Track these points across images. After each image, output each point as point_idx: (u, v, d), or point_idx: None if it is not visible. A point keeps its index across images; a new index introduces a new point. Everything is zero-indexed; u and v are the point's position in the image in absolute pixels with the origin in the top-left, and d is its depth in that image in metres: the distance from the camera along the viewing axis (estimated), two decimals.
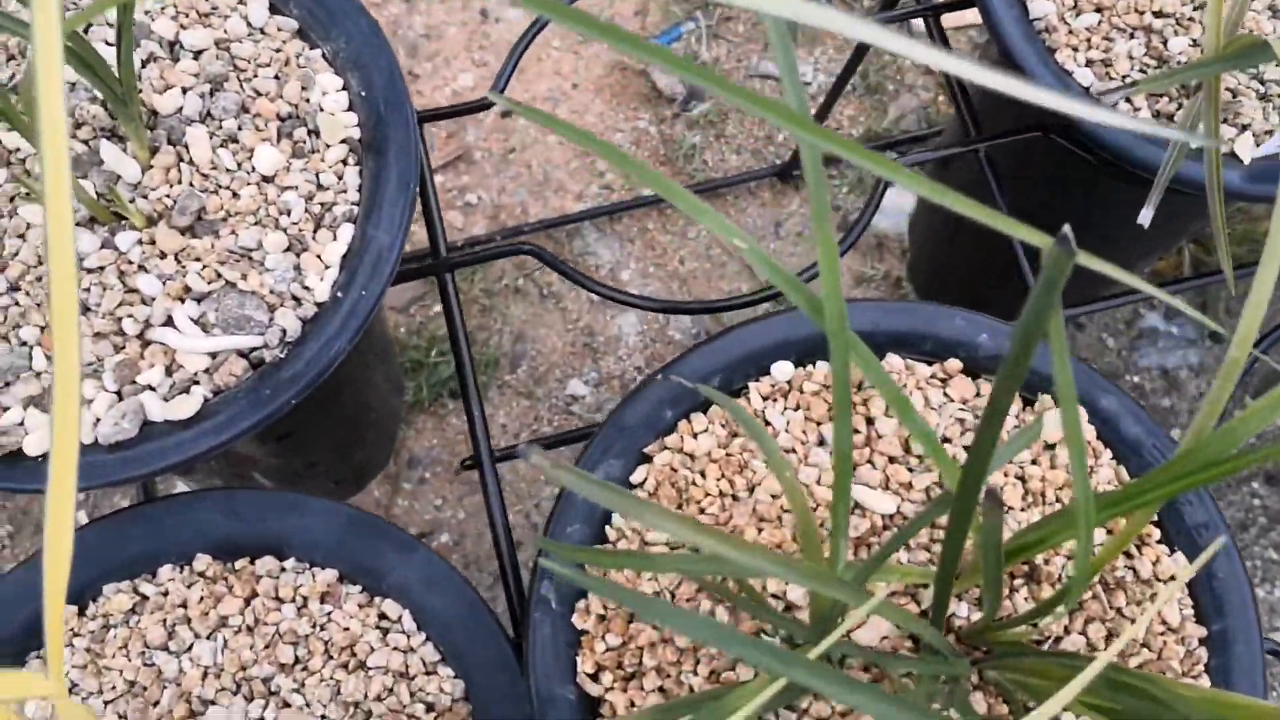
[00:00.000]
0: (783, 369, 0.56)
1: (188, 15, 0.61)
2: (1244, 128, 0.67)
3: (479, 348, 1.09)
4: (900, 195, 1.14)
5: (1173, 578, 0.51)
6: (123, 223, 0.56)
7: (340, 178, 0.59)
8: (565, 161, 1.16)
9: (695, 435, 0.55)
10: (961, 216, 0.25)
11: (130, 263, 0.56)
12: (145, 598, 0.55)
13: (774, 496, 0.52)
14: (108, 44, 0.59)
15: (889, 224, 1.15)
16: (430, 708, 0.53)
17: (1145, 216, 0.62)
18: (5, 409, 0.53)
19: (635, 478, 0.54)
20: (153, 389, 0.54)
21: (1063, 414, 0.31)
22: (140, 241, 0.56)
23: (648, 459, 0.55)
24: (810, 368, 0.56)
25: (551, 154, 1.15)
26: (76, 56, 0.51)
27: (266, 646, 0.54)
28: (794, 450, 0.53)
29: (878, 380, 0.42)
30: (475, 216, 1.14)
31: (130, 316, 0.55)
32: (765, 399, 0.55)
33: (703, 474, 0.53)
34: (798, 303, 0.38)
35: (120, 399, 0.54)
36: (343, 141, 0.59)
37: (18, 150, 0.57)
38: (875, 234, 1.15)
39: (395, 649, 0.54)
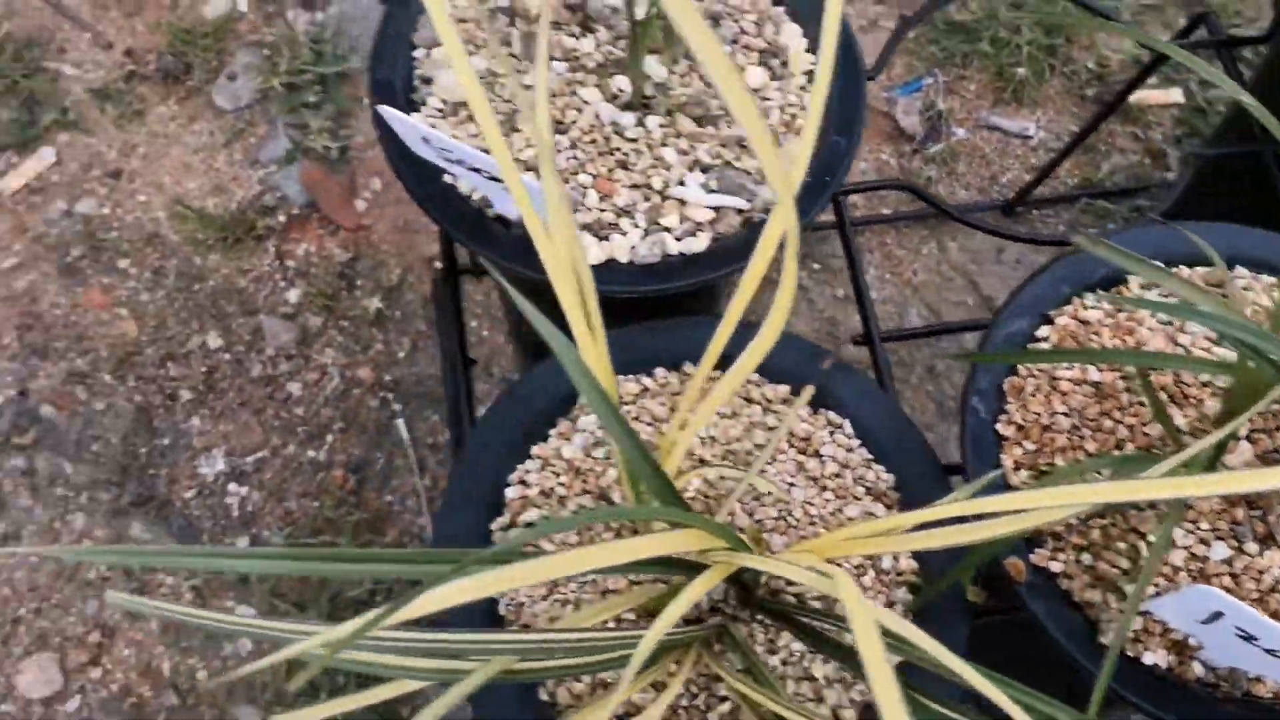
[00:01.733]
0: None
1: None
2: None
3: None
4: None
5: None
6: (649, 110, 0.74)
7: (800, 98, 0.77)
8: None
9: (1086, 308, 0.71)
10: None
11: (656, 140, 0.73)
12: (646, 389, 0.71)
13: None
14: None
15: None
16: (869, 490, 0.68)
17: None
18: None
19: (1040, 332, 0.70)
20: (669, 230, 0.71)
21: None
22: (662, 125, 0.73)
23: (1049, 320, 0.71)
24: (1178, 268, 0.72)
25: None
26: None
27: (745, 430, 0.69)
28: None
29: None
30: None
31: (657, 176, 0.72)
32: (1142, 288, 0.71)
33: (1096, 334, 0.69)
34: None
35: (646, 235, 0.71)
36: (805, 72, 0.77)
37: (574, 50, 0.75)
38: None
39: (838, 445, 0.69)
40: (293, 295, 1.21)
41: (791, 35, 0.78)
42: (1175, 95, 1.40)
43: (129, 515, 1.10)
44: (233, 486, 1.12)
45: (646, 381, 0.70)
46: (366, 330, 1.21)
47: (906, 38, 1.41)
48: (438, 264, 1.24)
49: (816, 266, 1.30)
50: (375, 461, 1.16)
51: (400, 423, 1.17)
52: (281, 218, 1.25)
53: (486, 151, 0.66)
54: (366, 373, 1.19)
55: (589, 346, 0.54)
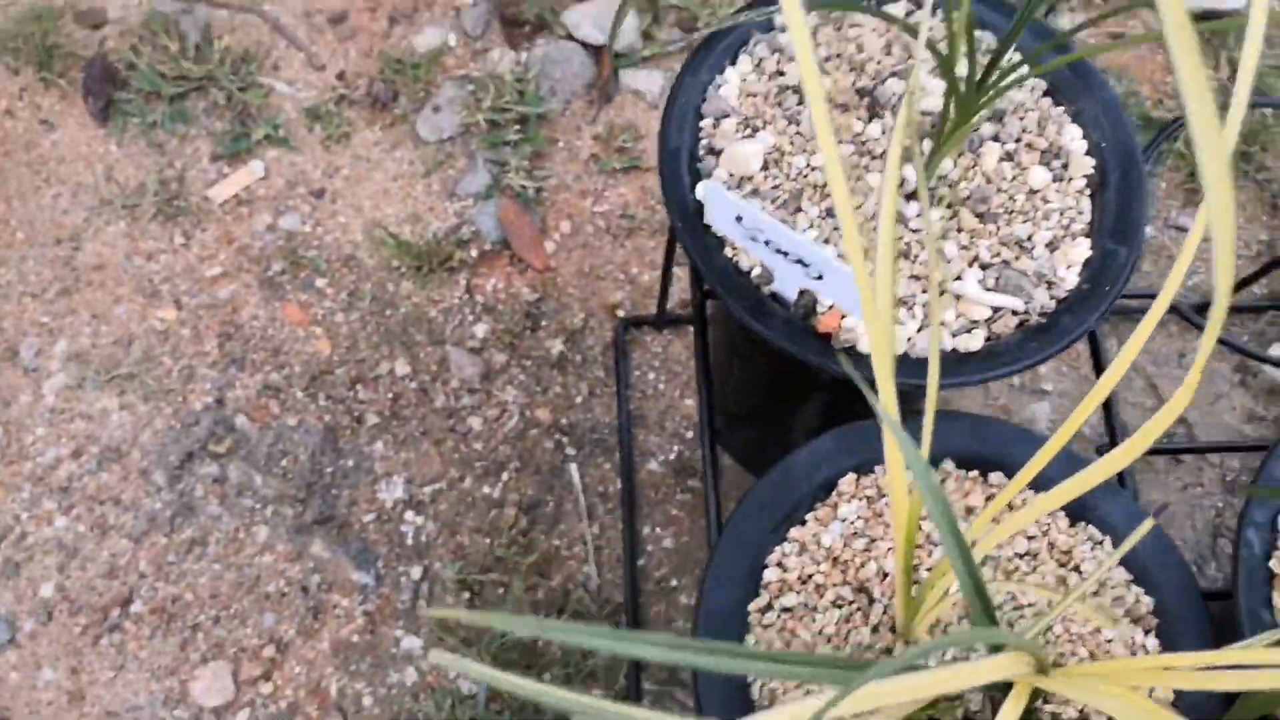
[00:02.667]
0: None
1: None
2: None
3: None
4: None
5: None
6: (933, 201, 0.74)
7: (1079, 202, 0.76)
8: None
9: None
10: None
11: (935, 231, 0.73)
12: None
13: None
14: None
15: None
16: (1127, 611, 0.67)
17: None
18: (844, 316, 0.71)
19: None
20: (946, 325, 0.71)
21: None
22: (944, 217, 0.74)
23: None
24: None
25: None
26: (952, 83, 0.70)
27: (1008, 537, 0.68)
28: None
29: None
30: None
31: (937, 269, 0.72)
32: None
33: None
34: None
35: (923, 328, 0.71)
36: (1084, 175, 0.77)
37: (861, 134, 0.76)
38: (1269, 380, 1.29)
39: (1098, 560, 0.68)
40: (480, 330, 1.23)
41: (1072, 137, 0.78)
42: None
43: (311, 533, 1.11)
44: (409, 515, 1.14)
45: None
46: (547, 371, 1.22)
47: None
48: (620, 312, 1.26)
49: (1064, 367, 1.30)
50: (546, 503, 1.16)
51: (573, 468, 1.18)
52: (474, 252, 1.27)
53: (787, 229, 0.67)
54: (544, 414, 1.20)
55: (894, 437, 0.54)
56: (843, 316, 0.71)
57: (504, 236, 1.28)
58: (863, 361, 0.70)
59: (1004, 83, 0.70)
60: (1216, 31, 1.45)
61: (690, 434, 1.23)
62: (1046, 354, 0.70)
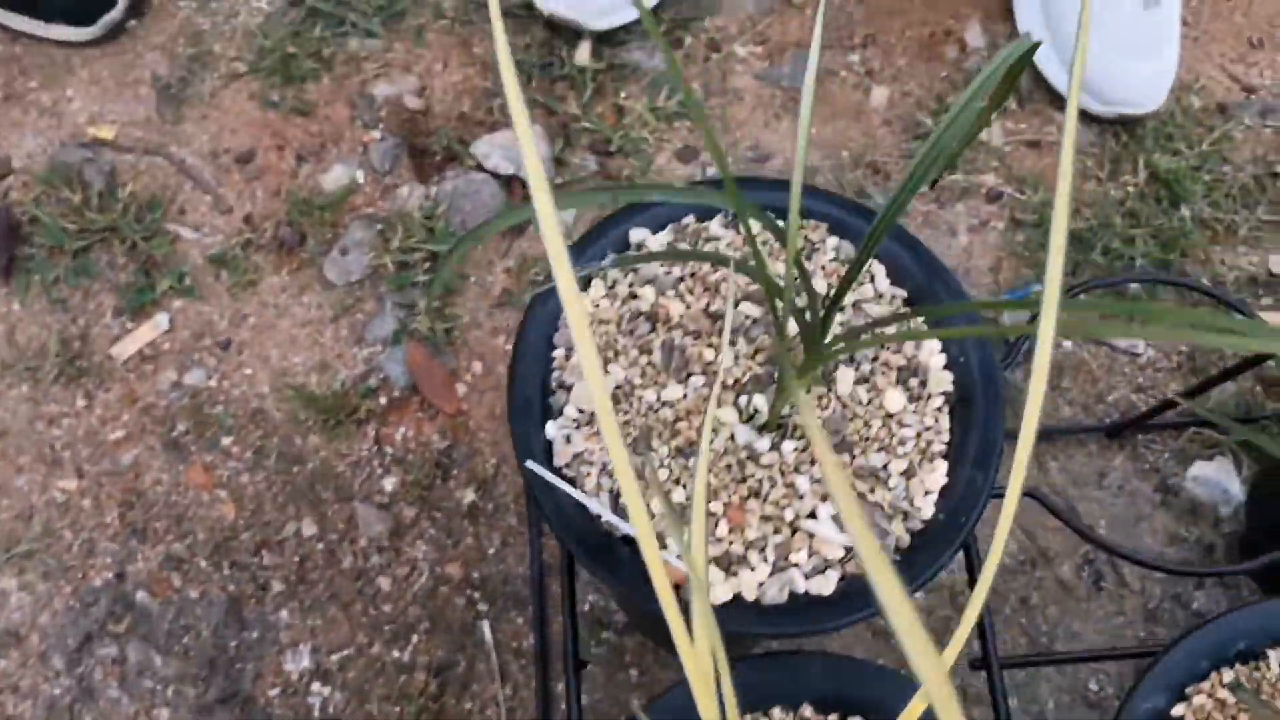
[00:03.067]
0: None
1: (834, 278, 0.79)
2: None
3: None
4: (1219, 472, 1.28)
5: None
6: (784, 432, 0.73)
7: (938, 421, 0.75)
8: None
9: (1223, 685, 0.68)
10: None
11: (789, 465, 0.72)
12: None
13: None
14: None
15: (1204, 492, 1.28)
16: None
17: None
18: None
19: (1175, 711, 0.68)
20: (799, 567, 0.70)
21: None
22: (797, 450, 0.72)
23: (1186, 698, 0.68)
24: None
25: None
26: (773, 303, 0.69)
27: None
28: None
29: None
30: None
31: (790, 507, 0.71)
32: None
33: (1234, 718, 0.67)
34: None
35: (774, 572, 0.70)
36: (942, 393, 0.76)
37: (712, 364, 0.75)
38: (1191, 499, 1.28)
39: None
40: (389, 483, 1.22)
41: (931, 351, 0.77)
42: None
43: (213, 713, 1.10)
44: (316, 685, 1.12)
45: None
46: (458, 523, 1.21)
47: (1016, 243, 1.40)
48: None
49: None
50: (457, 665, 1.15)
51: (485, 625, 1.16)
52: (383, 400, 1.25)
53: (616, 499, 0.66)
54: (455, 569, 1.19)
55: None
56: None
57: (413, 382, 1.27)
58: (718, 610, 0.68)
59: (843, 347, 0.69)
60: (1134, 137, 1.44)
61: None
62: None
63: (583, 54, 1.45)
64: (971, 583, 0.81)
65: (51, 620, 1.12)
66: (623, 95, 1.44)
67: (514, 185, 1.38)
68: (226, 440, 1.22)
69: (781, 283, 0.66)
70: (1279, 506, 1.18)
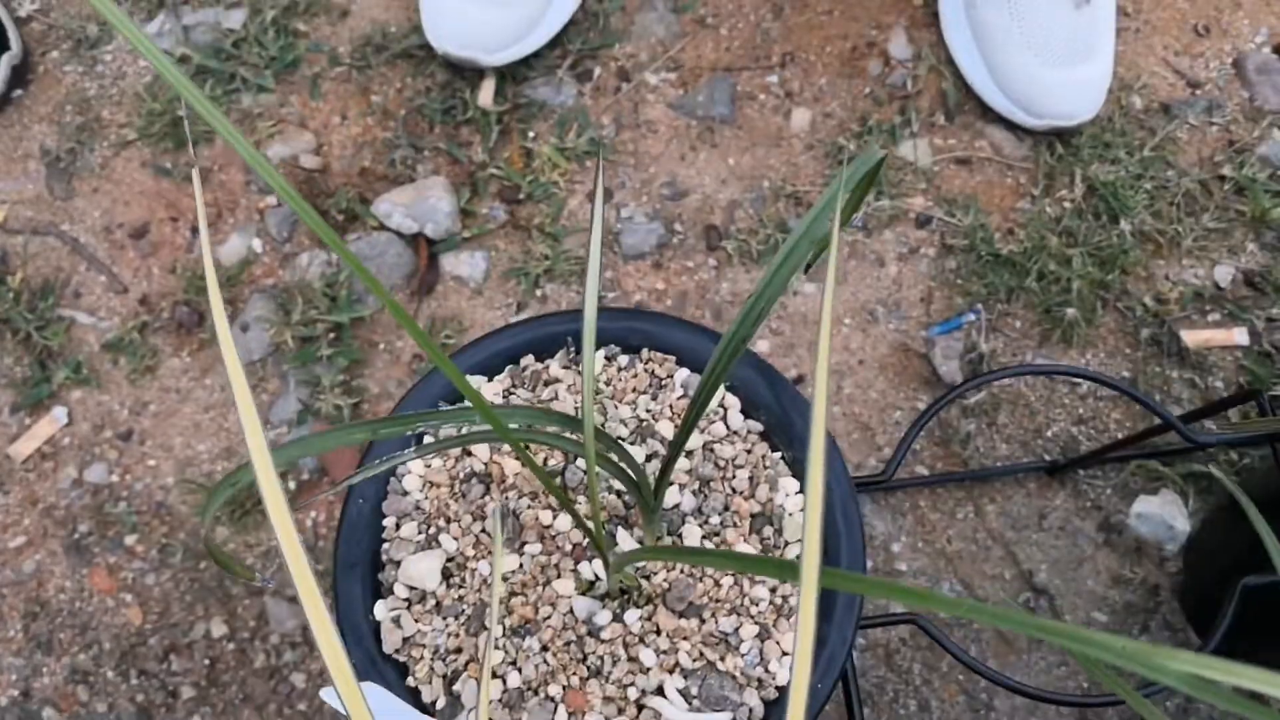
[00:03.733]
0: None
1: (681, 417, 0.74)
2: None
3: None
4: (1164, 507, 1.23)
5: None
6: (628, 600, 0.69)
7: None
8: (846, 433, 1.28)
9: None
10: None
11: (634, 636, 0.68)
12: None
13: None
14: (624, 440, 0.73)
15: (1148, 530, 1.23)
16: None
17: None
18: None
19: None
20: None
21: None
22: (642, 619, 0.68)
23: None
24: None
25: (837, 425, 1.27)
26: (610, 461, 0.64)
27: None
28: None
29: None
30: None
31: (634, 684, 0.67)
32: None
33: None
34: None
35: None
36: (799, 540, 0.71)
37: (550, 527, 0.70)
38: (1135, 537, 1.23)
39: None
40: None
41: (788, 491, 0.72)
42: (1239, 336, 1.31)
43: None
44: None
45: None
46: None
47: (948, 271, 1.34)
48: None
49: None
50: None
51: None
52: (291, 485, 1.22)
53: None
54: None
55: None
56: None
57: (321, 464, 1.23)
58: None
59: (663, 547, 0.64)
60: (1069, 148, 1.37)
61: None
62: None
63: (485, 95, 1.39)
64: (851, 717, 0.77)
65: None
66: (530, 136, 1.38)
67: (420, 244, 1.33)
68: (130, 539, 1.19)
69: (582, 462, 0.61)
70: (1222, 554, 1.13)
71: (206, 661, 1.14)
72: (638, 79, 1.42)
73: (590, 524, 0.63)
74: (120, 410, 1.25)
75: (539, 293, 1.31)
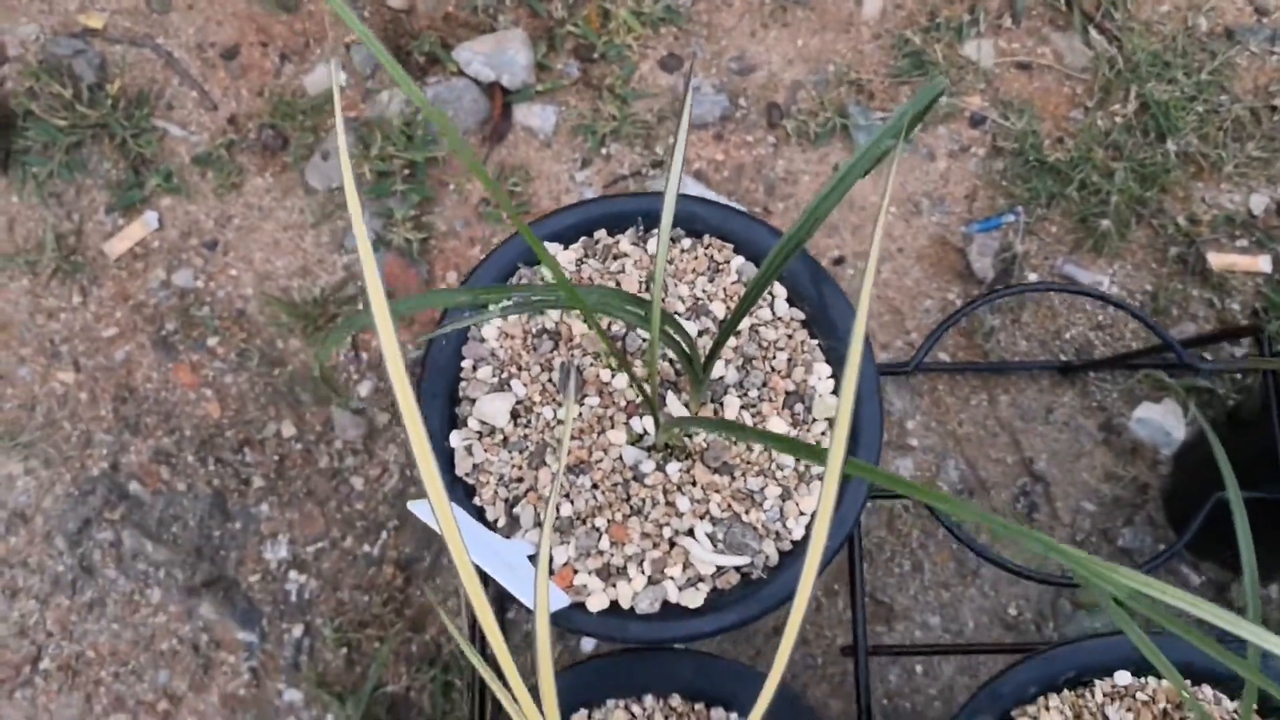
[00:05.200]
0: (1122, 676, 0.76)
1: (734, 300, 0.82)
2: None
3: None
4: (1165, 415, 1.32)
5: None
6: (671, 454, 0.79)
7: (819, 443, 0.81)
8: (878, 314, 1.37)
9: (1049, 708, 0.76)
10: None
11: (673, 485, 0.78)
12: (634, 716, 0.79)
13: None
14: (678, 315, 0.82)
15: (1146, 434, 1.33)
16: None
17: None
18: (576, 573, 0.77)
19: None
20: (673, 580, 0.78)
21: None
22: (681, 471, 0.79)
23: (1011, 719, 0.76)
24: (1144, 679, 0.76)
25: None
26: (668, 334, 0.73)
27: None
28: None
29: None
30: None
31: (669, 525, 0.78)
32: (1106, 696, 0.76)
33: None
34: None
35: (650, 583, 0.78)
36: (826, 419, 0.81)
37: (609, 385, 0.80)
38: (1133, 439, 1.33)
39: None
40: (364, 389, 1.30)
41: (820, 376, 0.82)
42: (1263, 264, 1.37)
43: (200, 595, 1.22)
44: (293, 574, 1.24)
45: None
46: None
47: (994, 172, 1.40)
48: None
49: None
50: (423, 559, 1.26)
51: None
52: (361, 307, 1.32)
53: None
54: None
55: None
56: (575, 572, 0.77)
57: (390, 290, 1.33)
58: (595, 618, 0.77)
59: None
60: (1129, 64, 1.41)
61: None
62: (763, 610, 0.76)
63: None
64: (853, 576, 0.89)
65: (54, 504, 1.24)
66: None
67: (495, 92, 1.39)
68: (212, 341, 1.30)
69: (645, 321, 0.70)
70: (1208, 466, 1.22)
71: (276, 457, 1.27)
72: None
73: (646, 387, 0.73)
74: (207, 220, 1.34)
75: (604, 151, 1.38)
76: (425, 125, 1.36)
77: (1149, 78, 1.41)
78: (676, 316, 0.80)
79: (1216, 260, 1.37)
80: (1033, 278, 1.38)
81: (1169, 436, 1.33)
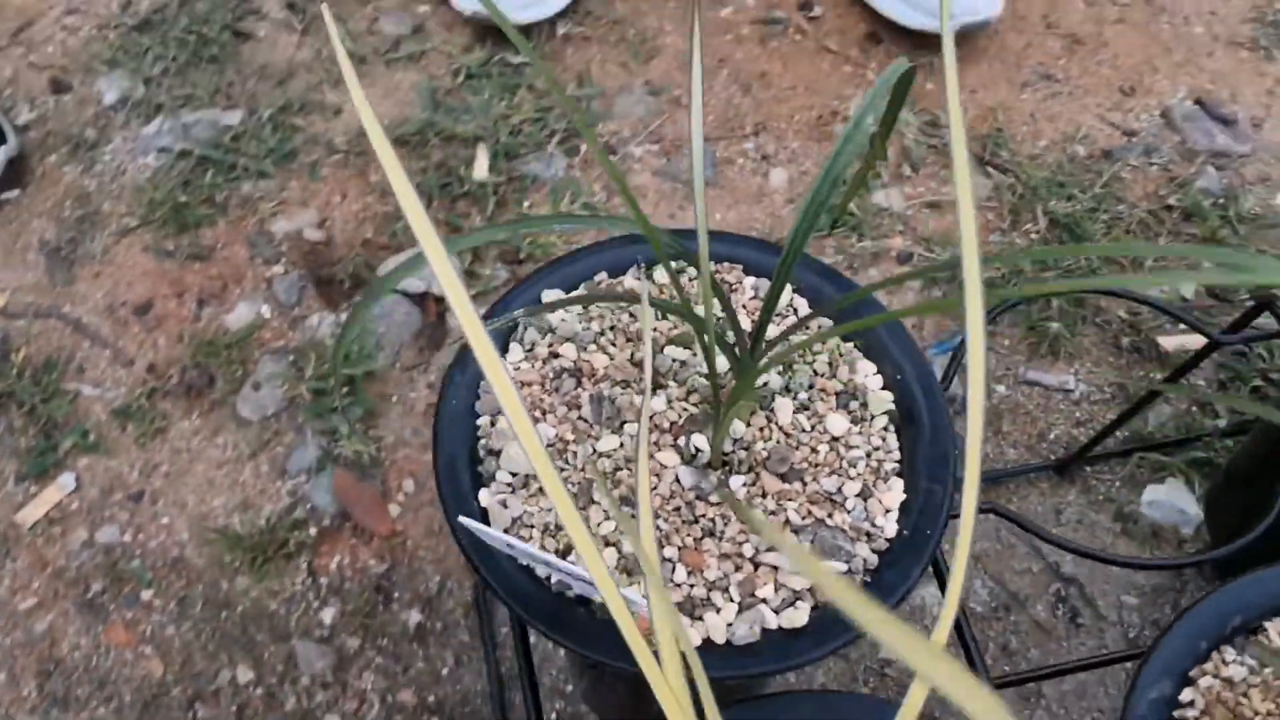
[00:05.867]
0: None
1: (755, 314, 0.77)
2: None
3: None
4: (1172, 493, 1.27)
5: None
6: (730, 468, 0.70)
7: (885, 440, 0.73)
8: None
9: (1227, 664, 0.65)
10: None
11: (741, 499, 0.69)
12: None
13: None
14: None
15: (1161, 515, 1.26)
16: None
17: None
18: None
19: (1183, 697, 0.64)
20: (767, 602, 0.66)
21: None
22: (746, 484, 0.69)
23: (1191, 681, 0.65)
24: None
25: None
26: (721, 343, 0.67)
27: None
28: None
29: None
30: None
31: (747, 542, 0.67)
32: None
33: (1245, 696, 0.63)
34: None
35: (742, 610, 0.66)
36: (884, 412, 0.74)
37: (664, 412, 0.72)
38: (1150, 523, 1.26)
39: None
40: (327, 616, 1.15)
41: (865, 373, 0.75)
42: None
43: None
44: None
45: None
46: (407, 647, 1.14)
47: (934, 300, 1.41)
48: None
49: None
50: None
51: None
52: (312, 530, 1.20)
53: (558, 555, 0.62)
54: (409, 695, 1.11)
55: None
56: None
57: (343, 508, 1.21)
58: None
59: (778, 352, 0.67)
60: (1028, 188, 1.48)
61: (570, 686, 1.15)
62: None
63: (480, 169, 1.46)
64: (942, 587, 0.78)
65: None
66: (525, 205, 1.44)
67: (428, 303, 1.36)
68: (147, 594, 1.15)
69: (702, 313, 0.64)
70: (1234, 505, 1.16)
71: (234, 708, 1.09)
72: (623, 151, 1.51)
73: (709, 382, 0.65)
74: (130, 473, 1.22)
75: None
76: (360, 342, 1.31)
77: (1050, 197, 1.47)
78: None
79: (1168, 343, 1.38)
80: (1001, 390, 1.36)
81: (1184, 515, 1.27)
